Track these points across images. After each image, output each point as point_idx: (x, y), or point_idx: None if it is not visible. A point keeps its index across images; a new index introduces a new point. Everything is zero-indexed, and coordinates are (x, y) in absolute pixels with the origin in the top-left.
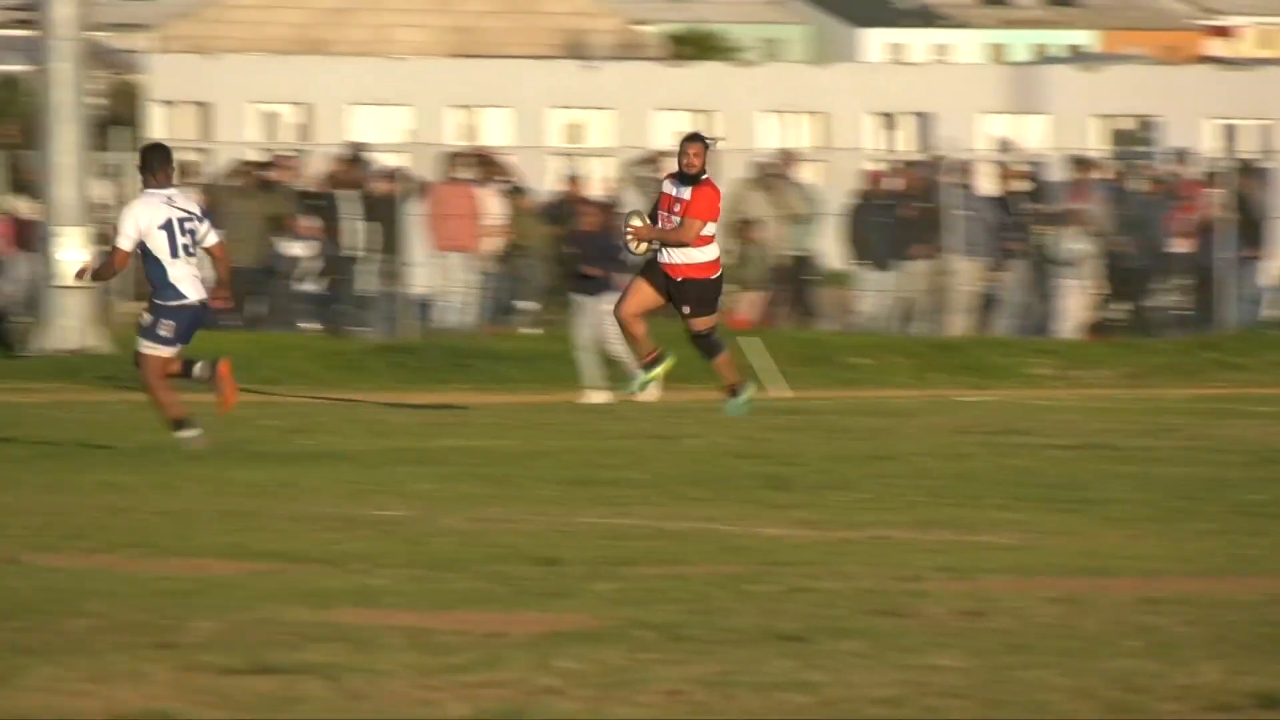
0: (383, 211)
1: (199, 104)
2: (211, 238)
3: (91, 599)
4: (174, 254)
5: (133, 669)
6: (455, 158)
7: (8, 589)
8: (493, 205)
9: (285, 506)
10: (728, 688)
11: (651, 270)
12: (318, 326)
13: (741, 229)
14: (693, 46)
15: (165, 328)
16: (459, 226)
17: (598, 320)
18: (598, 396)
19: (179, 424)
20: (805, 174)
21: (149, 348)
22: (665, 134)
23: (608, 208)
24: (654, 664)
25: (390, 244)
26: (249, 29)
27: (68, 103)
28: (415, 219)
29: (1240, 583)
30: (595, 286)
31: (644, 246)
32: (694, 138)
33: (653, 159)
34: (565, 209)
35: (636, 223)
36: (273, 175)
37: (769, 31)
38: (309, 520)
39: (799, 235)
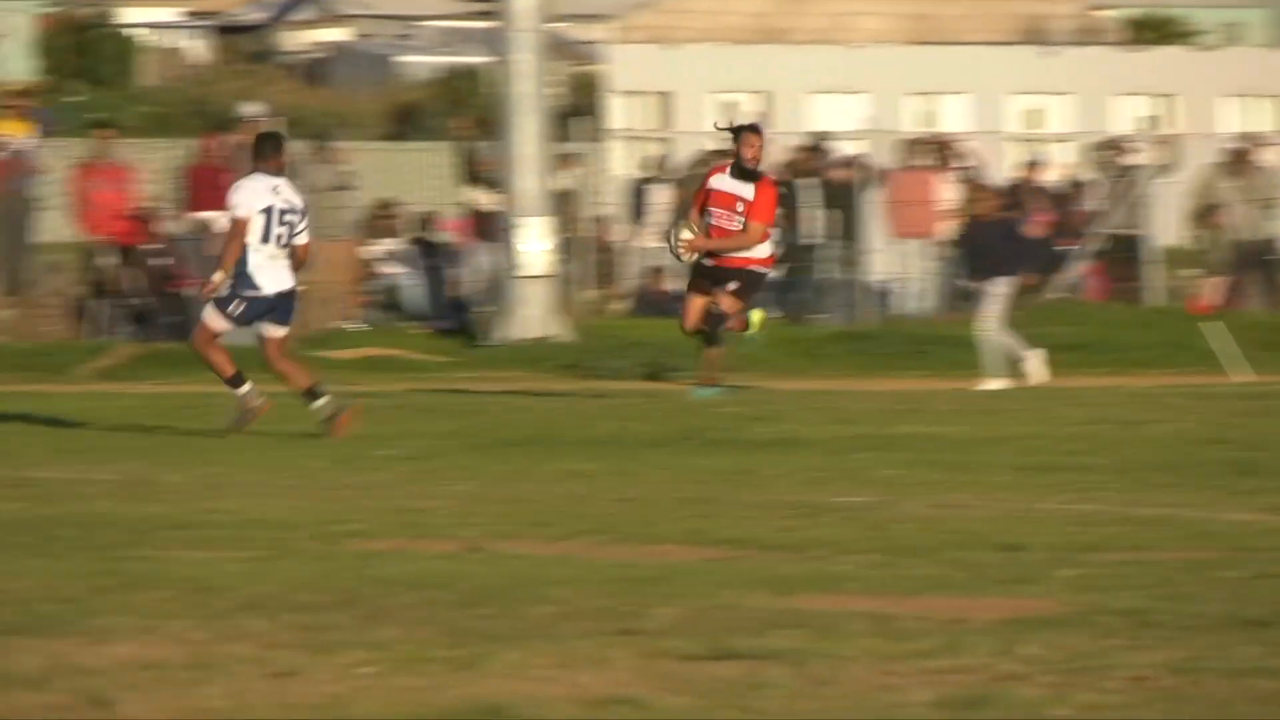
0: (842, 199)
1: (659, 94)
2: (304, 237)
3: (555, 586)
4: (264, 240)
5: (596, 655)
6: (913, 144)
7: (472, 576)
8: (950, 191)
9: (745, 493)
10: (1195, 674)
11: (697, 280)
12: (777, 314)
13: (1205, 214)
14: (1152, 31)
15: (236, 308)
16: (917, 213)
17: (996, 306)
18: (996, 384)
19: (236, 380)
20: (1268, 158)
21: (212, 316)
22: (1125, 119)
23: (1007, 194)
24: (1119, 650)
25: (849, 231)
26: (708, 19)
27: (528, 94)
28: (874, 206)
29: None
30: (990, 271)
31: (694, 256)
32: (754, 129)
33: (1113, 144)
34: (1022, 194)
35: (687, 235)
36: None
37: (1229, 15)
38: (769, 507)
39: (1264, 219)
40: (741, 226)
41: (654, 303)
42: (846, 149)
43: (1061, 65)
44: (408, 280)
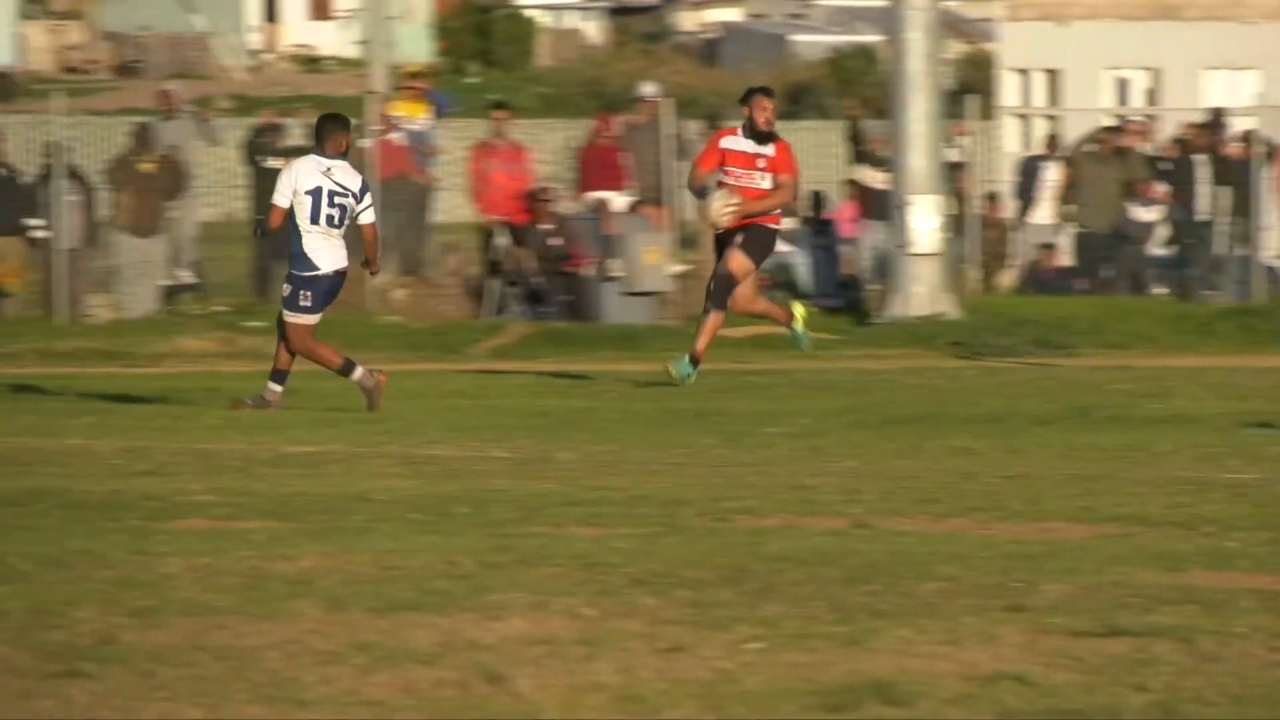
0: (1235, 175)
1: (1049, 71)
2: (367, 216)
3: (943, 562)
4: (313, 220)
5: (984, 631)
6: None
7: (859, 553)
8: None
9: (1134, 470)
10: None
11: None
12: (1166, 291)
13: None
14: None
15: (304, 297)
16: None
17: None
18: None
19: (347, 368)
20: None
21: (292, 316)
22: None
23: None
24: None
25: (1242, 208)
26: None
27: (920, 72)
28: (1268, 183)
29: None
30: None
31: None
32: (766, 91)
33: None
34: None
35: (733, 203)
36: (1125, 141)
37: None
38: (1159, 484)
39: None
40: (771, 184)
41: (1044, 280)
42: (1239, 125)
43: None
44: (799, 259)
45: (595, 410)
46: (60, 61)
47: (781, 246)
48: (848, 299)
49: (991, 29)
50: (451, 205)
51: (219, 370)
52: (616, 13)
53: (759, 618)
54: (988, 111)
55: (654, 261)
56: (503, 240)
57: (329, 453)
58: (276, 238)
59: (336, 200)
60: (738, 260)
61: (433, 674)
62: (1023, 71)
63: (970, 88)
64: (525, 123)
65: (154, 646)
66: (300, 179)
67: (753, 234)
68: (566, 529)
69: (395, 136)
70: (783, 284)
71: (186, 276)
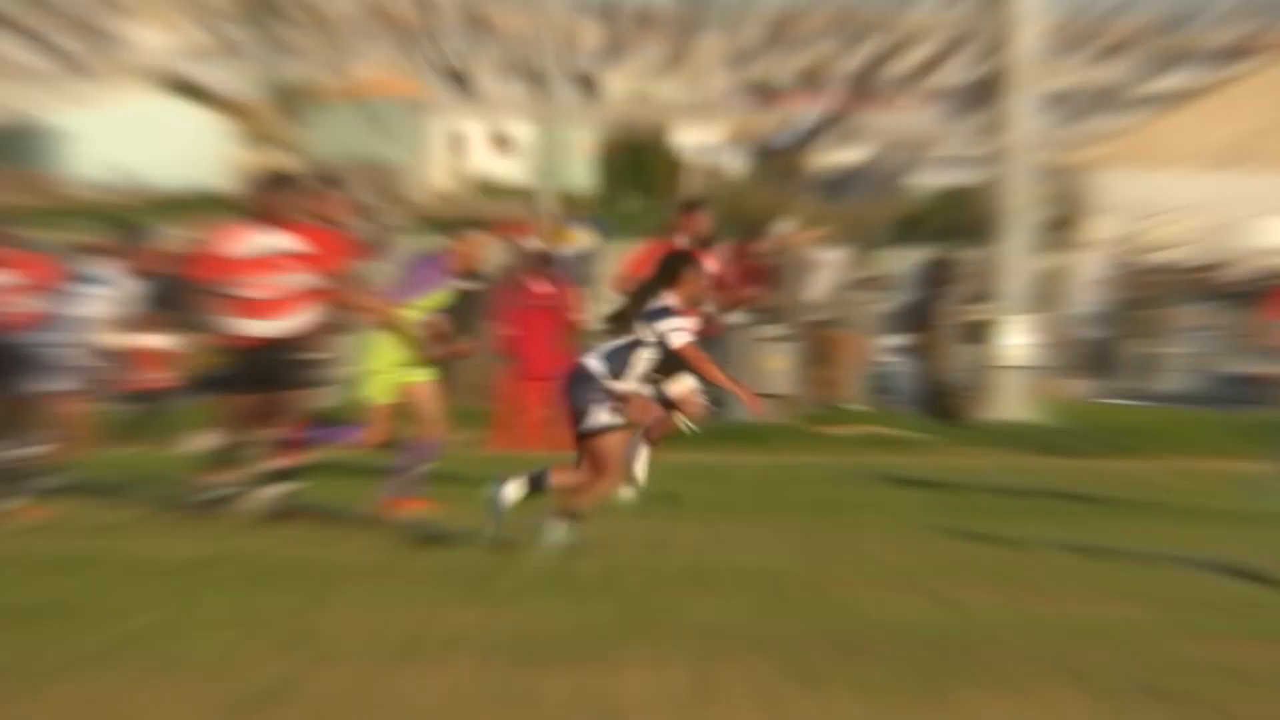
0: None
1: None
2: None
3: (1014, 634)
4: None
5: (1048, 697)
6: None
7: (941, 624)
8: None
9: (1188, 557)
10: None
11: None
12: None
13: None
14: None
15: None
16: None
17: None
18: None
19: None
20: None
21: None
22: None
23: None
24: None
25: None
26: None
27: (1018, 209)
28: None
29: None
30: None
31: None
32: (697, 205)
33: None
34: None
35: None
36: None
37: None
38: (1204, 567)
39: None
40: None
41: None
42: None
43: None
44: (901, 367)
45: (729, 495)
46: None
47: (887, 357)
48: (944, 405)
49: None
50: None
51: None
52: (758, 152)
53: (852, 678)
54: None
55: (777, 367)
56: None
57: None
58: None
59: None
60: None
61: (566, 714)
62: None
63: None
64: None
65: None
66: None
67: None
68: (687, 598)
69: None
70: (882, 389)
71: None
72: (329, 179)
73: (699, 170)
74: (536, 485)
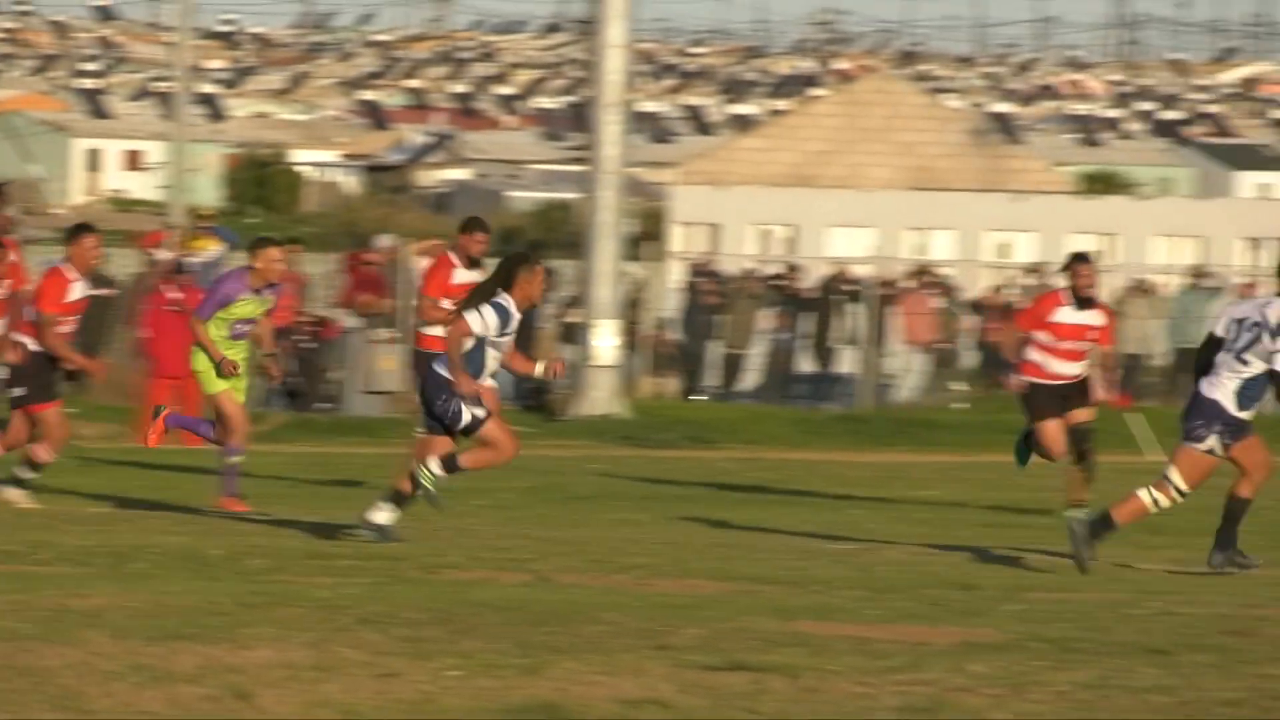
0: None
1: (710, 225)
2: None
3: (605, 610)
4: None
5: (635, 665)
6: (914, 270)
7: (541, 601)
8: (935, 307)
9: (762, 540)
10: (1105, 689)
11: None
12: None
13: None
14: (1101, 183)
15: None
16: (912, 323)
17: None
18: None
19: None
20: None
21: None
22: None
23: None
24: (1047, 669)
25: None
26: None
27: (607, 222)
28: (882, 318)
29: None
30: None
31: None
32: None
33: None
34: (988, 311)
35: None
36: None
37: (1162, 172)
38: (778, 551)
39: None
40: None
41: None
42: (861, 272)
43: (1027, 209)
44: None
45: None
46: None
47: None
48: (540, 400)
49: (666, 190)
50: None
51: None
52: (370, 170)
53: (459, 651)
54: (660, 255)
55: (388, 368)
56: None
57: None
58: None
59: None
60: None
61: (195, 690)
62: (689, 224)
63: (647, 236)
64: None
65: None
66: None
67: None
68: (308, 578)
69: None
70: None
71: None
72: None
73: (316, 186)
74: (450, 467)
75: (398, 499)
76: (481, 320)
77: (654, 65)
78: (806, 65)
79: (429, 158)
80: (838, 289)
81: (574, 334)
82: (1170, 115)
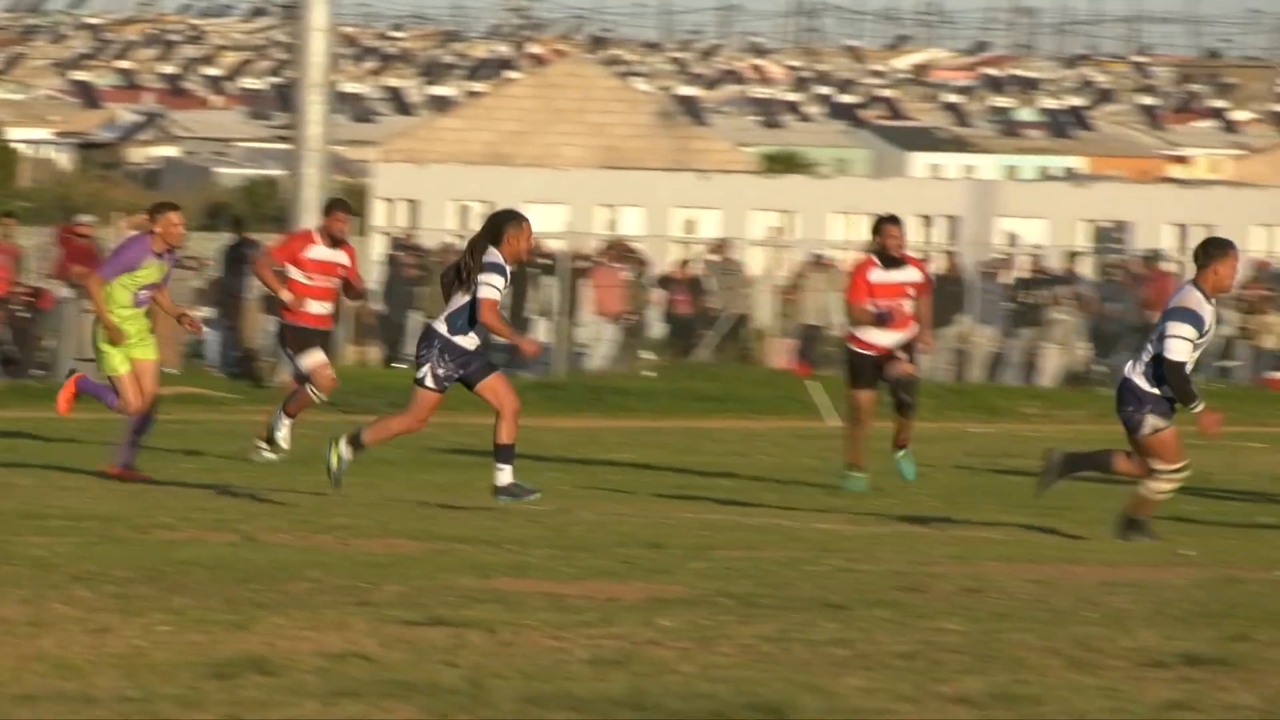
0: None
1: (410, 201)
2: None
3: (310, 568)
4: None
5: (338, 620)
6: (606, 245)
7: (248, 560)
8: (625, 280)
9: (458, 500)
10: (786, 643)
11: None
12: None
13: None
14: (781, 163)
15: None
16: (603, 295)
17: None
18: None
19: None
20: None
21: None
22: (760, 229)
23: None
24: (732, 624)
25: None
26: (451, 145)
27: (312, 199)
28: (575, 290)
29: (1176, 571)
30: None
31: None
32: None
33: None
34: (675, 284)
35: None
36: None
37: (839, 153)
38: (477, 511)
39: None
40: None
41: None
42: (555, 246)
43: (712, 187)
44: (210, 336)
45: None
46: None
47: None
48: (247, 368)
49: (367, 167)
50: None
51: None
52: (82, 147)
53: (169, 607)
54: (363, 230)
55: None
56: None
57: None
58: None
59: None
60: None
61: None
62: (390, 200)
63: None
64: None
65: None
66: None
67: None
68: (23, 537)
69: None
70: (196, 355)
71: None
72: None
73: (30, 163)
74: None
75: (505, 455)
76: (495, 287)
77: (356, 48)
78: (502, 49)
79: (139, 135)
80: (532, 262)
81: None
82: (847, 99)
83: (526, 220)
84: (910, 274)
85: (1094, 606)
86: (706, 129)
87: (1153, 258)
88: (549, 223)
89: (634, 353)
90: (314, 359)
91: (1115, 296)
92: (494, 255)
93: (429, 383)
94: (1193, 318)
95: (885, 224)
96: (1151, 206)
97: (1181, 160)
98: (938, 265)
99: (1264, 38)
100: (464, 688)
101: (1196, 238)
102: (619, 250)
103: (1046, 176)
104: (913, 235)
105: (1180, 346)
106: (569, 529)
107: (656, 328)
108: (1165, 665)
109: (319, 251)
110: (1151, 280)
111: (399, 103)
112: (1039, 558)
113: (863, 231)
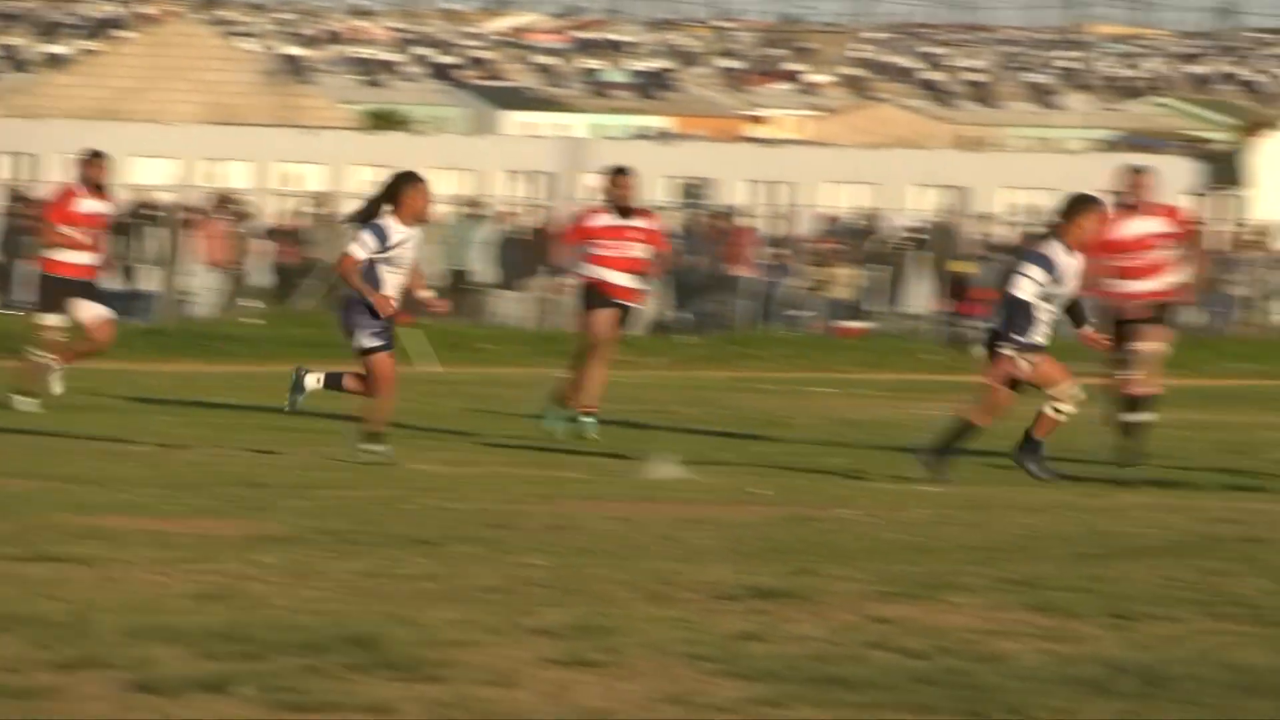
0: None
1: (28, 155)
2: None
3: None
4: None
5: None
6: (213, 197)
7: None
8: (231, 230)
9: (70, 443)
10: (381, 578)
11: None
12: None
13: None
14: (383, 120)
15: None
16: (210, 245)
17: None
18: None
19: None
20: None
21: None
22: (363, 184)
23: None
24: (329, 560)
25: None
26: (64, 100)
27: None
28: (186, 239)
29: (751, 510)
30: None
31: None
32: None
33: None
34: (279, 235)
35: None
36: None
37: (438, 111)
38: (88, 452)
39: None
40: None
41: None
42: (163, 198)
43: (316, 143)
44: None
45: None
46: None
47: None
48: None
49: None
50: None
51: None
52: None
53: None
54: None
55: None
56: None
57: None
58: None
59: None
60: None
61: None
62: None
63: None
64: None
65: None
66: None
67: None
68: None
69: None
70: None
71: None
72: None
73: None
74: (333, 383)
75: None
76: (360, 245)
77: None
78: (117, 9)
79: None
80: (141, 213)
81: None
82: (446, 60)
83: (423, 181)
84: (639, 222)
85: (671, 543)
86: (311, 87)
87: (728, 213)
88: (158, 176)
89: (237, 301)
90: (92, 310)
91: (697, 250)
92: (383, 218)
93: (367, 344)
94: (1044, 261)
95: (617, 174)
96: (732, 164)
97: (759, 120)
98: (531, 219)
99: (843, 4)
100: (67, 620)
101: (772, 194)
102: (226, 202)
103: (638, 135)
104: (502, 190)
105: (1024, 284)
106: (173, 468)
107: (261, 277)
108: (737, 598)
109: (84, 204)
110: (729, 235)
111: (15, 61)
112: (621, 496)
113: (459, 187)
